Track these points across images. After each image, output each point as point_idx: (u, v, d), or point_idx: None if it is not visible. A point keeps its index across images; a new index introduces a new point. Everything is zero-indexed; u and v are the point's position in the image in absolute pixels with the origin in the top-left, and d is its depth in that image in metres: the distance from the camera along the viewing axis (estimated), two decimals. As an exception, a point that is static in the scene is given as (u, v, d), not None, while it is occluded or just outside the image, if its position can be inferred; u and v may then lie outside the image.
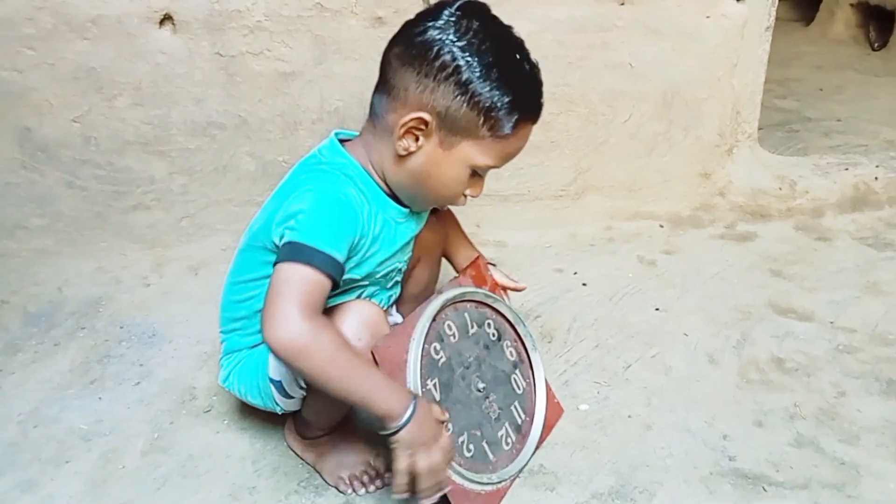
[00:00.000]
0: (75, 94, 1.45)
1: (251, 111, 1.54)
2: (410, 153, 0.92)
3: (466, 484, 0.93)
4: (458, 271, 1.18)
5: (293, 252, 0.87)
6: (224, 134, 1.54)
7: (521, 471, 1.05)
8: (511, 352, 1.11)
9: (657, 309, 1.50)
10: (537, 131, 1.66)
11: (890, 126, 2.50)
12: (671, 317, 1.48)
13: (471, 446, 0.97)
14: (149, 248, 1.61)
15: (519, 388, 1.09)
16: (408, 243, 1.07)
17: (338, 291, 0.97)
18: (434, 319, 0.98)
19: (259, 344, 1.02)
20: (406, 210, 1.02)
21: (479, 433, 0.99)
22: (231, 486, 1.07)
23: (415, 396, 0.88)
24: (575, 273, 1.64)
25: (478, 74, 0.86)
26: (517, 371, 1.10)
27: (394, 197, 1.01)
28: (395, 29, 1.52)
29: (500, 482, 1.00)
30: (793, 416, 1.20)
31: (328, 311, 0.93)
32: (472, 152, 0.92)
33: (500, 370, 1.07)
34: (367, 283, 1.04)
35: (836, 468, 1.08)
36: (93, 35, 1.41)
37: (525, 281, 1.60)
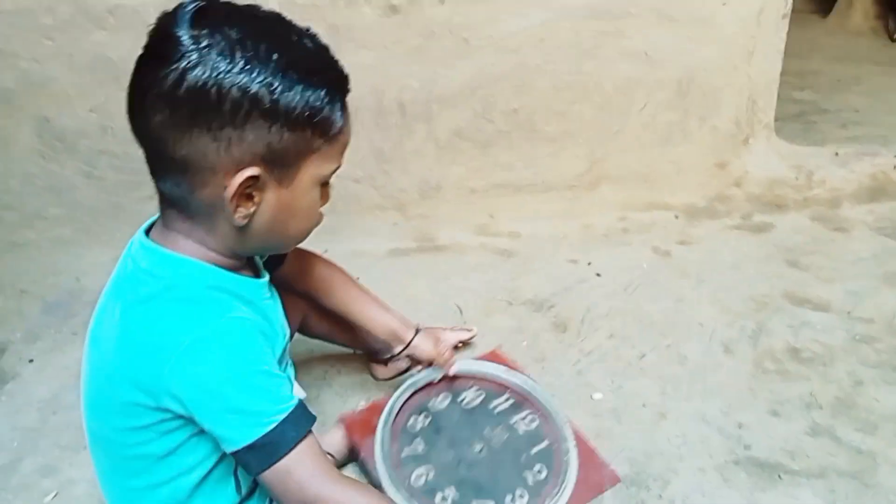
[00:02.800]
0: (93, 85, 1.46)
1: (266, 101, 1.54)
2: (252, 216, 0.73)
3: None
4: (369, 332, 1.12)
5: (265, 455, 0.73)
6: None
7: None
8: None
9: (672, 299, 1.50)
10: (552, 121, 1.67)
11: (909, 117, 2.47)
12: (686, 307, 1.48)
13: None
14: (165, 238, 1.62)
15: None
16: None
17: None
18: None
19: None
20: (263, 280, 0.85)
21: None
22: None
23: None
24: (589, 264, 1.63)
25: (278, 89, 0.67)
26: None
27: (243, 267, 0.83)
28: (409, 18, 1.54)
29: None
30: (809, 405, 1.19)
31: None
32: (315, 168, 0.74)
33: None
34: None
35: (853, 457, 1.08)
36: (110, 25, 1.42)
37: (539, 272, 1.62)
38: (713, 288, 1.54)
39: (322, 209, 0.81)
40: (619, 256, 1.67)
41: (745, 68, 1.73)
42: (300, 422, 0.74)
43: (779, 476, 1.05)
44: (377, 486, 0.97)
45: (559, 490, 0.97)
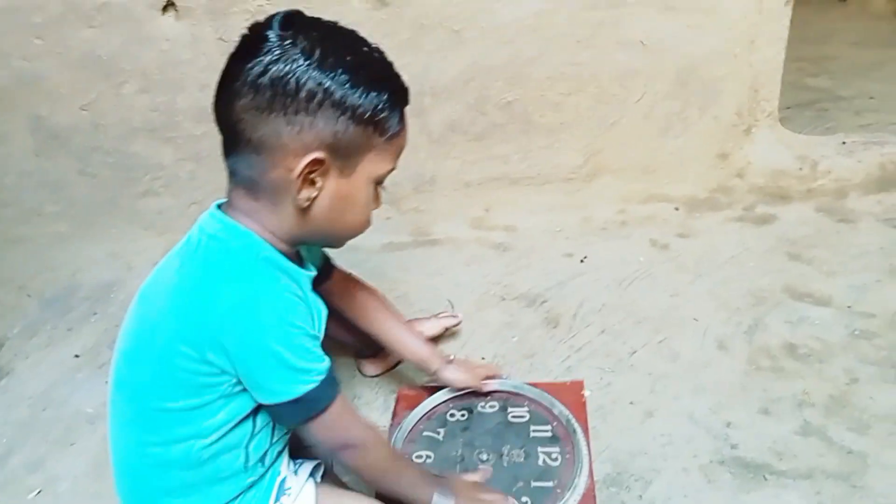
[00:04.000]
0: (83, 82, 1.47)
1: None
2: (313, 200, 0.80)
3: None
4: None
5: (308, 408, 0.82)
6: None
7: None
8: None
9: (668, 294, 1.47)
10: (548, 113, 1.64)
11: (927, 103, 2.39)
12: (682, 302, 1.45)
13: None
14: (159, 234, 1.63)
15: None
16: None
17: None
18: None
19: None
20: (309, 273, 0.90)
21: None
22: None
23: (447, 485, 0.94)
24: (585, 258, 1.61)
25: (348, 86, 0.76)
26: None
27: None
28: (399, 11, 1.52)
29: None
30: (801, 403, 1.16)
31: None
32: (372, 165, 0.82)
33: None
34: None
35: (843, 457, 1.05)
36: (99, 23, 1.43)
37: (534, 266, 1.60)
38: (711, 282, 1.51)
39: (373, 214, 0.88)
40: (616, 250, 1.64)
41: (747, 57, 1.68)
42: (334, 381, 0.84)
43: (764, 477, 1.02)
44: None
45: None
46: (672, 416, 1.15)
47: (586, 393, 1.21)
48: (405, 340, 1.17)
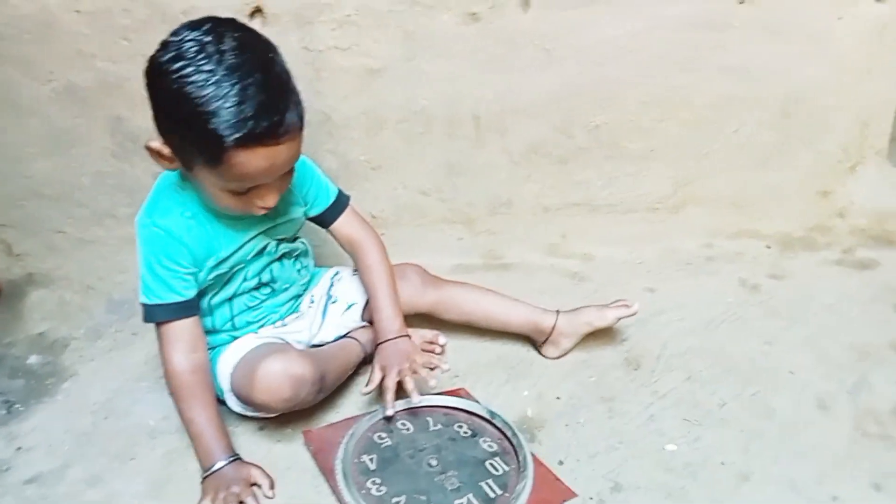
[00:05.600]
0: (165, 86, 1.45)
1: (335, 107, 1.50)
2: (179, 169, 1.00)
3: None
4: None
5: (145, 316, 1.09)
6: (307, 130, 1.49)
7: None
8: (490, 445, 1.11)
9: (760, 341, 1.36)
10: (637, 138, 1.56)
11: None
12: (776, 351, 1.34)
13: None
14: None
15: (497, 471, 1.06)
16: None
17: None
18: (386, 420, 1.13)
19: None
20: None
21: (424, 497, 1.00)
22: (290, 498, 1.03)
23: (231, 459, 1.03)
24: (667, 295, 1.51)
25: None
26: (497, 458, 1.08)
27: None
28: (490, 26, 1.46)
29: None
30: (918, 480, 1.04)
31: None
32: (205, 176, 0.95)
33: (469, 455, 1.08)
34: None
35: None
36: (185, 27, 1.40)
37: (612, 299, 1.51)
38: (808, 331, 1.39)
39: (259, 206, 1.02)
40: (701, 288, 1.54)
41: (860, 88, 1.56)
42: (166, 310, 1.06)
43: (880, 566, 0.91)
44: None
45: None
46: (771, 482, 1.05)
47: (670, 447, 1.12)
48: (509, 313, 1.34)
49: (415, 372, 1.12)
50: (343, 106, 1.50)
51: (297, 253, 1.25)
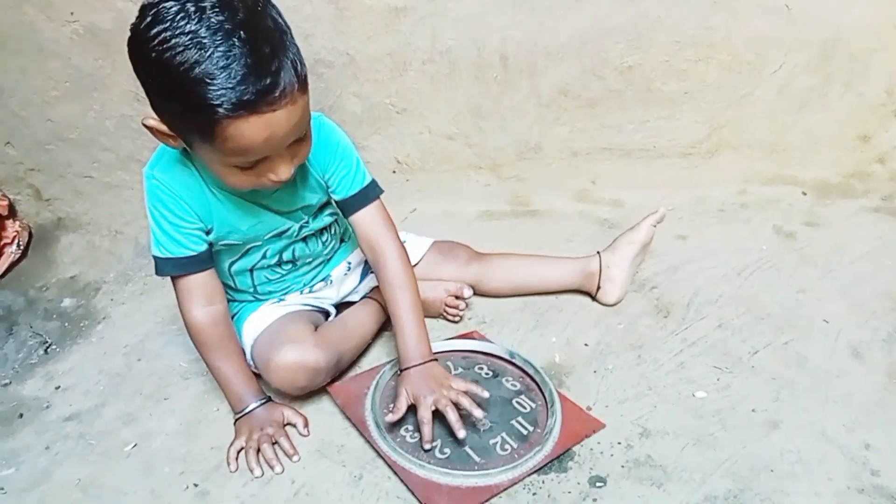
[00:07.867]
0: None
1: (360, 49, 1.46)
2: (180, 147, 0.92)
3: (435, 477, 0.96)
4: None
5: (156, 269, 1.04)
6: (331, 73, 1.48)
7: (528, 472, 0.97)
8: (514, 384, 1.13)
9: (794, 289, 1.33)
10: (671, 80, 1.50)
11: None
12: (809, 299, 1.31)
13: (445, 450, 1.00)
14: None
15: (525, 408, 1.08)
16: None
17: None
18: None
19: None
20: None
21: (457, 440, 1.00)
22: (320, 441, 1.04)
23: (262, 401, 1.05)
24: (699, 242, 1.48)
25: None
26: (522, 396, 1.10)
27: None
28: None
29: (488, 479, 0.97)
30: (954, 430, 1.02)
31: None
32: (205, 153, 0.88)
33: (496, 395, 1.09)
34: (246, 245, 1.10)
35: None
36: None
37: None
38: (843, 280, 1.36)
39: (273, 180, 0.92)
40: (735, 235, 1.51)
41: (907, 27, 1.49)
42: (175, 264, 1.02)
43: (913, 513, 0.90)
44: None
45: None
46: (801, 430, 1.04)
47: (700, 394, 1.11)
48: (553, 275, 1.33)
49: (455, 403, 1.00)
50: (367, 47, 1.46)
51: (322, 227, 1.17)
